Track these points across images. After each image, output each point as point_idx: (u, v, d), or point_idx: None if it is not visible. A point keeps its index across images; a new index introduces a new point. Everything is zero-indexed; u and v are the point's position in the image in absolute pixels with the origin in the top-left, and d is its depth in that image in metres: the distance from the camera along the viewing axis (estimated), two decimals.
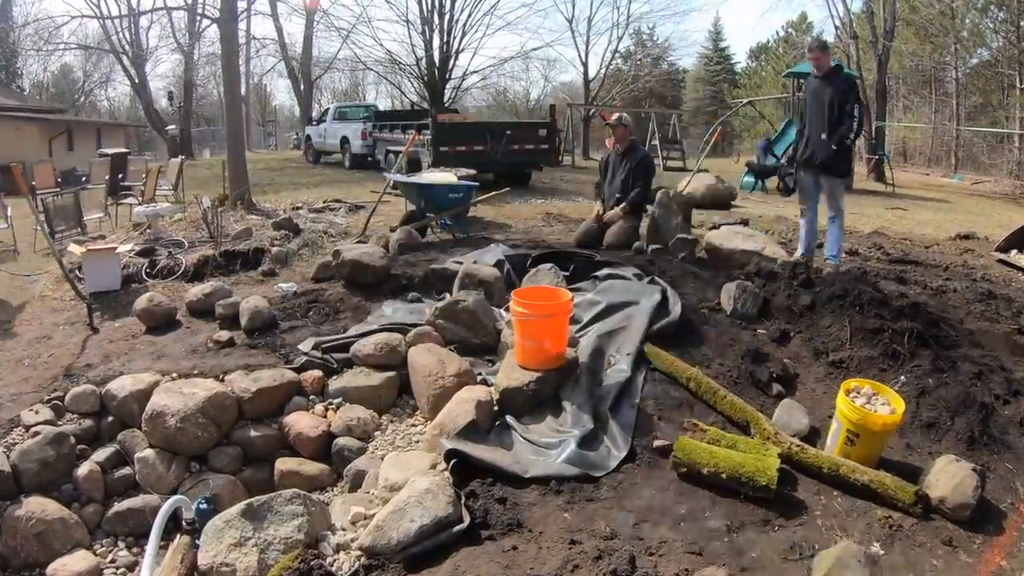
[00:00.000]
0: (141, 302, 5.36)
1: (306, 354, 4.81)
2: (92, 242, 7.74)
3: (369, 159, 16.73)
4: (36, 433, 4.04)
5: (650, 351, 4.12)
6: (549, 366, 3.88)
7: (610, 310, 4.70)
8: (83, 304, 5.57)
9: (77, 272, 6.53)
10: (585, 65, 30.13)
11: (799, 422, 3.61)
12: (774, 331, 4.50)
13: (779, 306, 4.72)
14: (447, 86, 22.22)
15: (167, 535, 3.49)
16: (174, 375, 4.63)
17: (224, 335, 5.05)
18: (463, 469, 3.29)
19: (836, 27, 21.87)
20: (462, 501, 3.05)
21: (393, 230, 7.65)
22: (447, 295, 5.32)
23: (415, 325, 4.93)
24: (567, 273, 5.54)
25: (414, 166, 12.05)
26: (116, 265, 5.55)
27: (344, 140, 18.25)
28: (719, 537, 2.88)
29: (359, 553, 2.92)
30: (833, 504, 3.11)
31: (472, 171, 9.59)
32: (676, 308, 4.61)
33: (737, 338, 4.45)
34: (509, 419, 3.75)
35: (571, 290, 5.33)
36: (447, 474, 3.41)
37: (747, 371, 4.09)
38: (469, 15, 22.46)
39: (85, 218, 8.96)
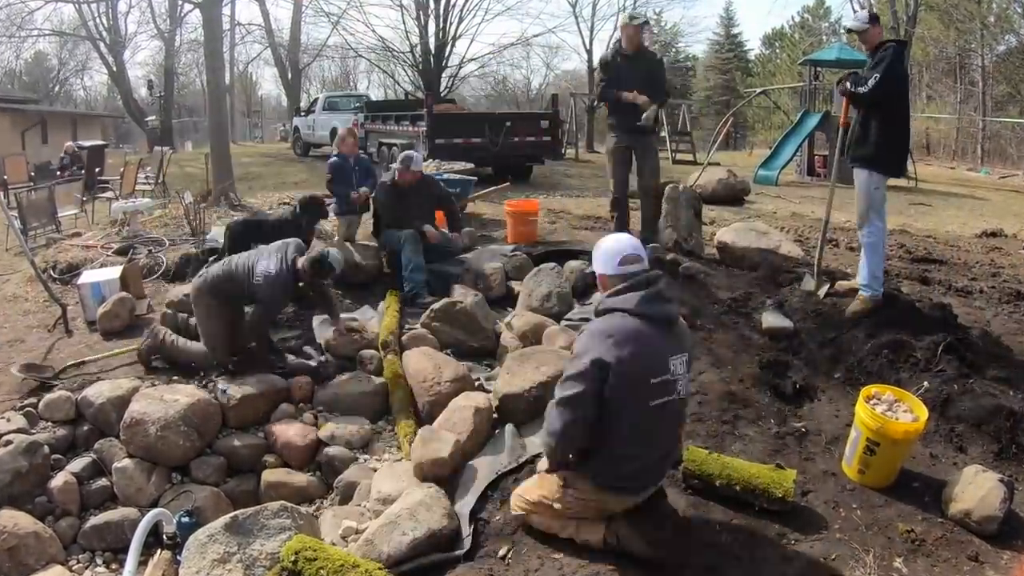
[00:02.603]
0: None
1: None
2: (70, 239, 7.75)
3: (361, 152, 16.72)
4: (8, 442, 4.03)
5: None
6: None
7: None
8: (57, 306, 5.57)
9: (51, 272, 6.53)
10: (589, 52, 30.12)
11: None
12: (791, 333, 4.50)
13: (794, 307, 4.72)
14: (443, 75, 22.22)
15: (147, 550, 3.49)
16: (154, 381, 4.63)
17: None
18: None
19: (855, 11, 21.90)
20: (469, 529, 3.04)
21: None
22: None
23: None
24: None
25: None
26: (115, 287, 5.58)
27: (334, 132, 18.25)
28: (733, 553, 2.88)
29: None
30: (852, 517, 3.11)
31: (470, 165, 9.59)
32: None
33: (751, 341, 4.45)
34: (509, 428, 3.75)
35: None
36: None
37: (767, 381, 4.07)
38: None
39: (59, 214, 8.97)
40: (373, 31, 37.91)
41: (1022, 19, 26.61)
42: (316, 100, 20.63)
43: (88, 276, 5.81)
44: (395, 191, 6.06)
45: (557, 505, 2.82)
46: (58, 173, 13.06)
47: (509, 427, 3.76)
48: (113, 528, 3.94)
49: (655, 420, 2.65)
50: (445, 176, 8.71)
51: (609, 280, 2.77)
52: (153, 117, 26.14)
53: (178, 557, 3.16)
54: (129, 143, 31.95)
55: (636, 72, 5.70)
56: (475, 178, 8.74)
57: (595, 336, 2.64)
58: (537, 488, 2.92)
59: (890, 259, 7.02)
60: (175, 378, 4.69)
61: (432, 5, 21.88)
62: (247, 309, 4.79)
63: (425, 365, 4.37)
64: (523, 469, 3.44)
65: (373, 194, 6.41)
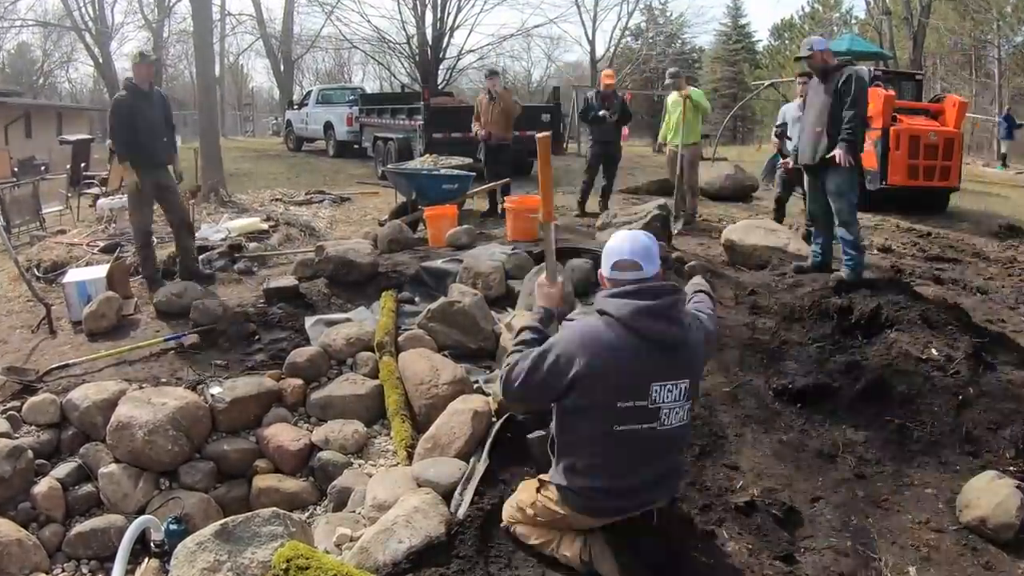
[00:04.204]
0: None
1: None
2: (54, 237, 7.75)
3: (355, 146, 16.72)
4: None
5: None
6: None
7: None
8: (40, 306, 5.57)
9: (35, 270, 6.53)
10: (592, 44, 30.13)
11: None
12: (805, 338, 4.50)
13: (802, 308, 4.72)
14: (441, 67, 22.19)
15: (134, 558, 3.49)
16: (142, 383, 4.63)
17: (196, 339, 5.06)
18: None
19: (868, 1, 21.89)
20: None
21: (382, 224, 7.66)
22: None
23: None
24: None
25: (404, 154, 12.05)
26: (102, 286, 5.58)
27: (328, 126, 18.24)
28: (735, 558, 2.88)
29: None
30: (864, 524, 3.11)
31: (468, 160, 9.59)
32: None
33: (759, 343, 4.46)
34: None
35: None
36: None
37: (774, 384, 4.08)
38: None
39: (43, 211, 8.98)
40: (368, 21, 37.82)
41: None
42: (309, 93, 20.60)
43: (73, 275, 5.81)
44: None
45: (530, 511, 2.73)
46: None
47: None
48: (99, 535, 3.95)
49: (622, 447, 2.44)
50: (442, 171, 8.71)
51: (608, 282, 2.56)
52: None
53: (166, 566, 3.17)
54: None
55: None
56: (474, 173, 8.73)
57: (571, 333, 2.46)
58: (518, 494, 2.87)
59: (903, 257, 7.03)
60: (163, 381, 4.69)
61: None
62: None
63: (422, 367, 4.37)
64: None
65: None
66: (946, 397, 3.82)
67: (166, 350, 5.02)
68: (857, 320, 4.48)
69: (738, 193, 11.10)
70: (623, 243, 2.53)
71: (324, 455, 4.19)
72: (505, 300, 5.54)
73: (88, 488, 4.17)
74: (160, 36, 27.05)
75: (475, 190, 8.50)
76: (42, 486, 4.06)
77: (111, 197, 9.17)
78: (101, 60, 27.50)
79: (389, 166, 10.18)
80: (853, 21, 37.69)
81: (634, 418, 2.40)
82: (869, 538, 3.04)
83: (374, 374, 4.68)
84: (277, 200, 10.18)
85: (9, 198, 8.27)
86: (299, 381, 4.69)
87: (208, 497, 4.14)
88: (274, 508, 3.20)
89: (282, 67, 29.09)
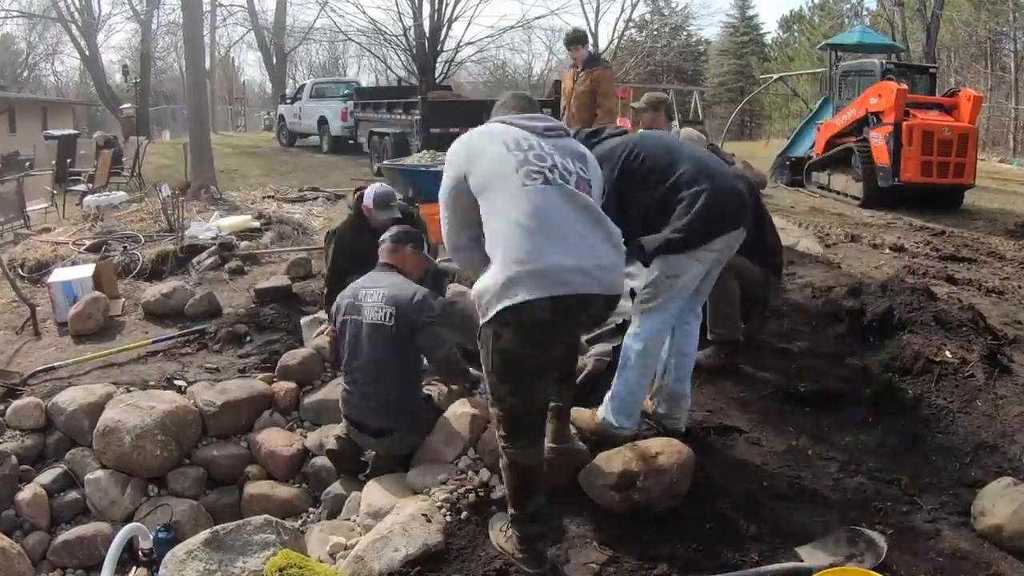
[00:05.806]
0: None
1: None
2: (39, 235, 7.76)
3: (351, 142, 16.73)
4: None
5: None
6: None
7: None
8: (25, 306, 5.57)
9: (19, 270, 6.53)
10: (595, 36, 30.12)
11: None
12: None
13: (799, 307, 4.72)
14: (439, 59, 22.19)
15: (121, 567, 3.49)
16: (129, 386, 4.63)
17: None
18: None
19: None
20: None
21: None
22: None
23: None
24: None
25: (401, 150, 12.05)
26: (88, 286, 5.58)
27: (322, 121, 18.24)
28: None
29: None
30: (875, 528, 3.10)
31: None
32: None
33: (764, 344, 4.46)
34: None
35: None
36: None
37: (781, 389, 4.08)
38: None
39: (28, 209, 8.97)
40: (364, 13, 37.99)
41: None
42: (303, 87, 20.61)
43: (59, 275, 5.82)
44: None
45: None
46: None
47: None
48: (85, 544, 3.95)
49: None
50: (440, 168, 8.70)
51: None
52: (128, 105, 26.08)
53: (155, 575, 3.16)
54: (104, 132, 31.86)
55: None
56: None
57: None
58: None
59: (916, 257, 7.03)
60: (151, 384, 4.69)
61: None
62: None
63: None
64: None
65: None
66: (960, 401, 3.82)
67: (154, 352, 5.02)
68: (869, 322, 4.49)
69: None
70: None
71: (318, 461, 4.19)
72: None
73: (74, 495, 4.17)
74: (148, 28, 27.01)
75: None
76: (26, 493, 4.06)
77: (98, 194, 9.17)
78: (88, 53, 27.47)
79: (385, 162, 10.18)
80: (864, 12, 37.67)
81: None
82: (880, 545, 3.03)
83: None
84: (269, 197, 10.16)
85: None
86: (292, 384, 4.69)
87: (198, 504, 4.14)
88: (266, 515, 3.21)
89: (275, 60, 29.12)
